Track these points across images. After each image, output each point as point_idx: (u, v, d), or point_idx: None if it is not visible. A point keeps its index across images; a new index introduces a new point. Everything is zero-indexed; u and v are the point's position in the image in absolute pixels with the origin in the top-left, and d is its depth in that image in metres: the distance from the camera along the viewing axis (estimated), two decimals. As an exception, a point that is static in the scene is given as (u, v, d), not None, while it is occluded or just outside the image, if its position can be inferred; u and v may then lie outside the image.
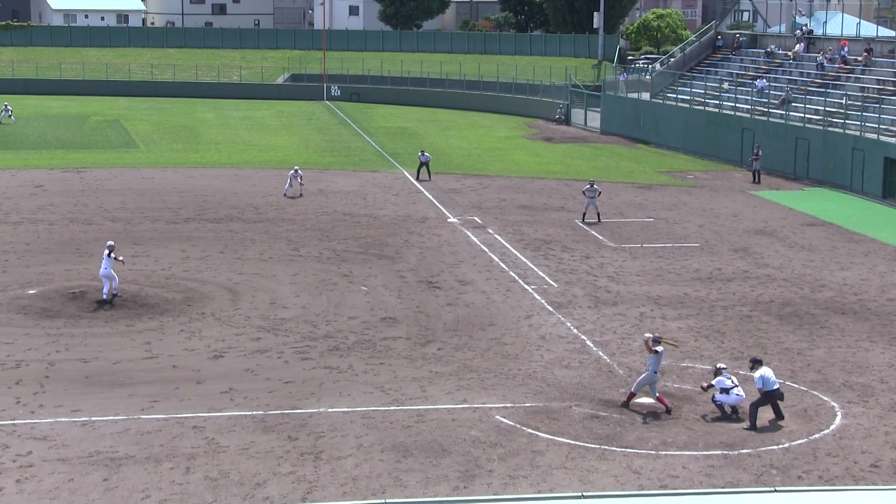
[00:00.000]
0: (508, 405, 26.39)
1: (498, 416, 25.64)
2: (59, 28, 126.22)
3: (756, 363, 26.01)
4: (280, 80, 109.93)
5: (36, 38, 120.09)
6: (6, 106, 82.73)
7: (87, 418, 25.09)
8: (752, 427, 25.20)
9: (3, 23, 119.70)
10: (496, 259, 41.45)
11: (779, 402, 25.77)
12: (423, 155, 59.97)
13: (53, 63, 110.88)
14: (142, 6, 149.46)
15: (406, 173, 61.02)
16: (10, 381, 27.43)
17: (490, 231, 46.24)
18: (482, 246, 43.55)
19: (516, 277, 38.72)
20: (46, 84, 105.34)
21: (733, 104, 69.47)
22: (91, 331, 31.80)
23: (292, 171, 53.55)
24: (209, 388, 27.26)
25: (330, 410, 25.78)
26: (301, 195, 53.00)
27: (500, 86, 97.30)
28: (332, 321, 33.11)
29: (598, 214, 48.42)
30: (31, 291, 35.66)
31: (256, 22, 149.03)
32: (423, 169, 59.32)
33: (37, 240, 43.25)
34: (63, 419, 25.02)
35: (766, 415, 25.73)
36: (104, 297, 34.65)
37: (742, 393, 25.85)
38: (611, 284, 37.98)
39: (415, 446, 23.82)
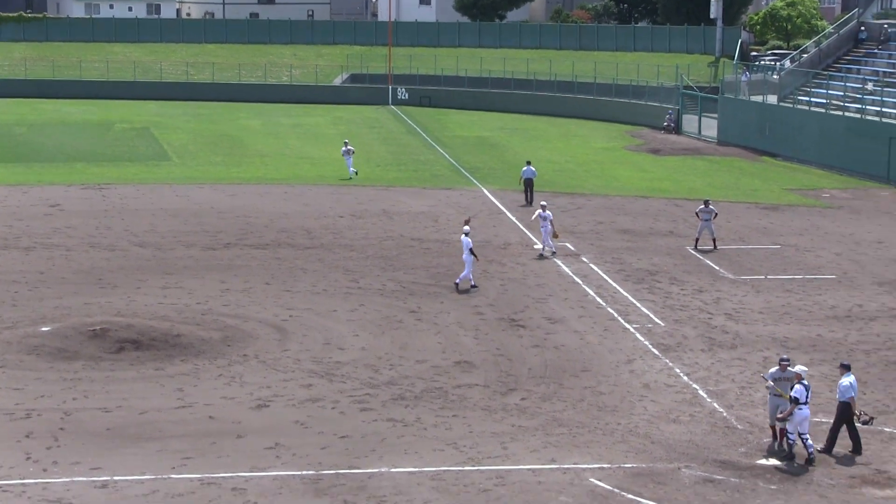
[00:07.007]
0: (605, 466, 26.34)
1: (592, 479, 25.60)
2: (79, 20, 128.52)
3: (845, 368, 27.59)
4: (337, 82, 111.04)
5: (53, 32, 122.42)
6: (346, 146, 67.51)
7: (109, 478, 25.45)
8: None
9: (16, 14, 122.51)
10: (592, 293, 41.44)
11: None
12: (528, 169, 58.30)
13: (73, 61, 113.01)
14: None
15: (486, 191, 61.23)
16: (20, 433, 27.93)
17: (584, 260, 46.25)
18: (575, 277, 43.57)
19: (615, 315, 38.69)
20: (64, 86, 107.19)
21: (879, 109, 68.88)
22: (114, 375, 32.30)
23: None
24: (251, 442, 27.56)
25: (393, 470, 25.93)
26: None
27: (598, 88, 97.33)
28: (397, 365, 33.33)
29: (714, 240, 48.23)
30: (44, 328, 36.31)
31: (310, 13, 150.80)
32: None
33: (52, 268, 44.08)
34: (80, 479, 25.40)
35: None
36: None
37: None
38: (728, 323, 37.82)
39: (493, 514, 23.71)
